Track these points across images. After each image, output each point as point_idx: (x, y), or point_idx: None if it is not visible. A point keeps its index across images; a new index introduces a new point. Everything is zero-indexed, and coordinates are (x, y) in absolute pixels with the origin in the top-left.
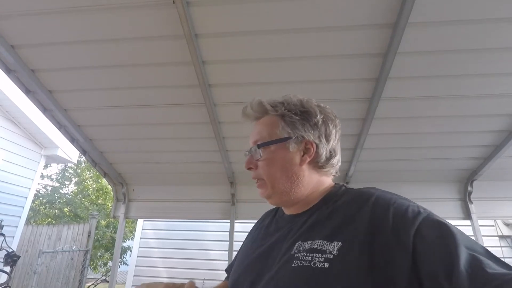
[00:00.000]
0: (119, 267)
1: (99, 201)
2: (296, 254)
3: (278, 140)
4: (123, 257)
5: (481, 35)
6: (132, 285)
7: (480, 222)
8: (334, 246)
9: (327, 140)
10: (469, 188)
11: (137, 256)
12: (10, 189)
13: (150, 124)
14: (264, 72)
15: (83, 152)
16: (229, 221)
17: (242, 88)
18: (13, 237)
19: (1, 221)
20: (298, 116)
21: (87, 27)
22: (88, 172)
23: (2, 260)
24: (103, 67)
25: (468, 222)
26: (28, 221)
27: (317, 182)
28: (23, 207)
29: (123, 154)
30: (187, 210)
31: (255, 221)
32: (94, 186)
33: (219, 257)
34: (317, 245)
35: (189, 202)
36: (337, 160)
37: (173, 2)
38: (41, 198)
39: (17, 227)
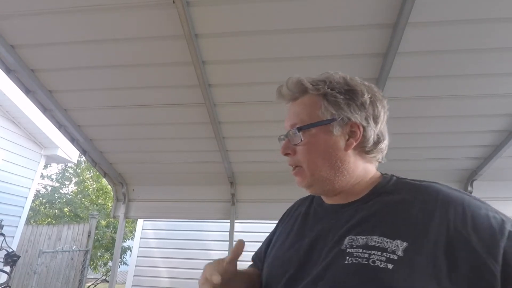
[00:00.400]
0: (119, 267)
1: (99, 201)
2: (349, 250)
3: (320, 122)
4: (123, 257)
5: (481, 35)
6: (132, 285)
7: None
8: (397, 246)
9: (375, 122)
10: (469, 188)
11: (137, 256)
12: (10, 189)
13: (150, 124)
14: (264, 72)
15: (83, 152)
16: (229, 221)
17: (242, 88)
18: (13, 237)
19: (1, 221)
20: (343, 95)
21: (87, 27)
22: (88, 172)
23: (2, 260)
24: (103, 67)
25: None
26: (28, 221)
27: (363, 169)
28: (23, 207)
29: (123, 154)
30: (187, 210)
31: (255, 221)
32: (94, 186)
33: (219, 257)
34: (375, 242)
35: (189, 202)
36: (385, 145)
37: (173, 2)
38: (41, 198)
39: (17, 227)
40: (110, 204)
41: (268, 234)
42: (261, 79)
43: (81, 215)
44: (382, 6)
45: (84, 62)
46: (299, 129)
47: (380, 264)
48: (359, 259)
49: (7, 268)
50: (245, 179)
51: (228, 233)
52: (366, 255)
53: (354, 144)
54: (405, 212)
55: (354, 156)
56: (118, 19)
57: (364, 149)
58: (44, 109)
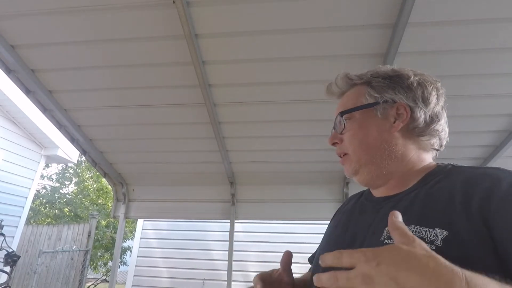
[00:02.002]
0: (119, 267)
1: (99, 201)
2: (386, 241)
3: (362, 106)
4: (123, 257)
5: (481, 35)
6: (132, 285)
7: None
8: (436, 235)
9: (425, 103)
10: None
11: (137, 256)
12: (10, 189)
13: (150, 124)
14: (264, 72)
15: (83, 152)
16: (229, 221)
17: (242, 88)
18: (13, 237)
19: (1, 221)
20: (387, 80)
21: (87, 27)
22: (88, 172)
23: (2, 260)
24: (103, 67)
25: None
26: (28, 221)
27: (416, 155)
28: (23, 207)
29: (123, 154)
30: (187, 210)
31: (255, 221)
32: (94, 186)
33: (219, 257)
34: (413, 232)
35: (189, 202)
36: (442, 128)
37: (173, 2)
38: (41, 198)
39: (17, 227)
40: (110, 204)
41: (268, 234)
42: (261, 79)
43: (81, 215)
44: (382, 6)
45: (84, 62)
46: (342, 113)
47: None
48: None
49: (7, 268)
50: (245, 179)
51: (228, 233)
52: None
53: (401, 125)
54: (447, 199)
55: (404, 139)
56: (118, 19)
57: (414, 132)
58: (44, 109)
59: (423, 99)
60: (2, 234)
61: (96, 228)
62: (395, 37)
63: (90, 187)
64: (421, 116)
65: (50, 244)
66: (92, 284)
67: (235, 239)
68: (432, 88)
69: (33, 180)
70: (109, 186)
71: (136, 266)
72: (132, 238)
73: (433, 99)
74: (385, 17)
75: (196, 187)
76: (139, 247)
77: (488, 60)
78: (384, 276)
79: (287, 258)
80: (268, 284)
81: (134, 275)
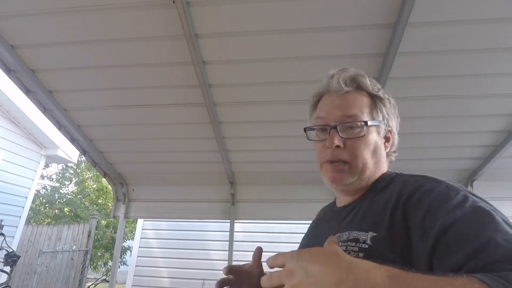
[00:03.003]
0: (119, 267)
1: (99, 201)
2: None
3: (379, 121)
4: (123, 257)
5: (481, 35)
6: (132, 285)
7: None
8: (368, 236)
9: (396, 132)
10: (469, 188)
11: (137, 256)
12: (10, 189)
13: (150, 124)
14: (264, 72)
15: (83, 152)
16: (229, 221)
17: (242, 88)
18: (13, 237)
19: (1, 221)
20: (389, 103)
21: (87, 27)
22: (88, 172)
23: (2, 260)
24: (103, 67)
25: None
26: (28, 221)
27: (385, 169)
28: (23, 207)
29: (123, 154)
30: (187, 210)
31: (255, 221)
32: (94, 186)
33: (219, 257)
34: (353, 236)
35: (189, 202)
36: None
37: (173, 2)
38: (41, 198)
39: (17, 227)
40: (110, 204)
41: (268, 234)
42: (261, 79)
43: (81, 215)
44: (382, 6)
45: (84, 62)
46: (366, 123)
47: (353, 254)
48: None
49: (7, 268)
50: (245, 179)
51: (228, 233)
52: (344, 248)
53: (388, 147)
54: (383, 205)
55: (385, 157)
56: (118, 19)
57: (388, 153)
58: (44, 109)
59: (396, 128)
60: (2, 234)
61: (96, 228)
62: (395, 37)
63: (90, 187)
64: (395, 141)
65: (50, 244)
66: (92, 284)
67: (235, 239)
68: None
69: (33, 180)
70: (109, 186)
71: (136, 266)
72: (132, 238)
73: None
74: (385, 17)
75: (196, 187)
76: (139, 247)
77: (488, 60)
78: (299, 268)
79: (258, 253)
80: (238, 276)
81: (134, 275)
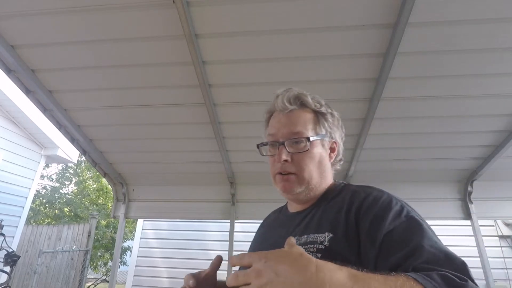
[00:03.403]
0: (119, 267)
1: (99, 201)
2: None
3: (322, 135)
4: (123, 257)
5: (481, 35)
6: (132, 285)
7: (480, 222)
8: (325, 237)
9: (341, 140)
10: (469, 188)
11: (137, 256)
12: (10, 189)
13: (150, 124)
14: (264, 72)
15: (83, 152)
16: (229, 221)
17: (242, 88)
18: (13, 237)
19: (1, 221)
20: (331, 117)
21: (87, 27)
22: (88, 172)
23: (2, 260)
24: (103, 67)
25: (468, 222)
26: (28, 221)
27: (330, 179)
28: (23, 207)
29: (123, 154)
30: (187, 210)
31: (255, 221)
32: (94, 186)
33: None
34: (311, 238)
35: (189, 202)
36: (340, 157)
37: (173, 2)
38: (41, 198)
39: (17, 227)
40: (110, 204)
41: None
42: (261, 79)
43: (81, 215)
44: (382, 6)
45: (84, 62)
46: (308, 139)
47: (312, 254)
48: None
49: (7, 268)
50: (245, 179)
51: (228, 233)
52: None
53: (333, 158)
54: (337, 210)
55: (330, 167)
56: (118, 19)
57: (333, 163)
58: (44, 109)
59: (341, 139)
60: (2, 234)
61: (96, 228)
62: (395, 37)
63: (90, 187)
64: (340, 150)
65: (50, 244)
66: (92, 284)
67: (235, 239)
68: (343, 130)
69: (33, 180)
70: (109, 186)
71: (136, 266)
72: (132, 238)
73: (343, 138)
74: (385, 17)
75: (196, 187)
76: (139, 247)
77: (488, 60)
78: (268, 268)
79: (218, 261)
80: (197, 283)
81: (134, 275)
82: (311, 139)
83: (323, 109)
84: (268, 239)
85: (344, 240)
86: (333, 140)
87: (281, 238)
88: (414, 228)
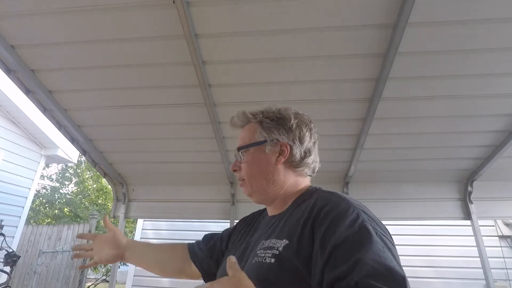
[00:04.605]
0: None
1: (99, 201)
2: (258, 251)
3: (255, 143)
4: None
5: (481, 35)
6: (132, 285)
7: (480, 222)
8: (281, 244)
9: (301, 142)
10: (469, 188)
11: None
12: (10, 189)
13: (150, 124)
14: (264, 72)
15: (83, 152)
16: (229, 221)
17: (242, 88)
18: (13, 237)
19: (1, 221)
20: (275, 121)
21: (87, 27)
22: (88, 172)
23: (2, 260)
24: (103, 67)
25: (468, 222)
26: (28, 221)
27: (293, 182)
28: (23, 207)
29: (123, 154)
30: (187, 210)
31: None
32: (94, 186)
33: None
34: (272, 243)
35: (189, 202)
36: (311, 160)
37: (173, 2)
38: (41, 198)
39: (17, 227)
40: (110, 204)
41: None
42: (261, 79)
43: (81, 215)
44: (382, 6)
45: (84, 62)
46: (239, 149)
47: (268, 260)
48: (259, 258)
49: (7, 268)
50: None
51: None
52: (263, 254)
53: (283, 160)
54: (299, 216)
55: (284, 169)
56: (118, 19)
57: (292, 164)
58: (44, 109)
59: (300, 138)
60: (2, 234)
61: (96, 228)
62: (395, 37)
63: (90, 187)
64: (297, 152)
65: (50, 244)
66: (92, 284)
67: None
68: (307, 129)
69: (33, 180)
70: (109, 186)
71: (136, 266)
72: (132, 238)
73: (306, 138)
74: (385, 17)
75: (196, 187)
76: None
77: (488, 60)
78: None
79: (107, 222)
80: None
81: (134, 275)
82: (240, 149)
83: (258, 118)
84: (247, 239)
85: (296, 248)
86: (280, 142)
87: (256, 239)
88: (362, 240)
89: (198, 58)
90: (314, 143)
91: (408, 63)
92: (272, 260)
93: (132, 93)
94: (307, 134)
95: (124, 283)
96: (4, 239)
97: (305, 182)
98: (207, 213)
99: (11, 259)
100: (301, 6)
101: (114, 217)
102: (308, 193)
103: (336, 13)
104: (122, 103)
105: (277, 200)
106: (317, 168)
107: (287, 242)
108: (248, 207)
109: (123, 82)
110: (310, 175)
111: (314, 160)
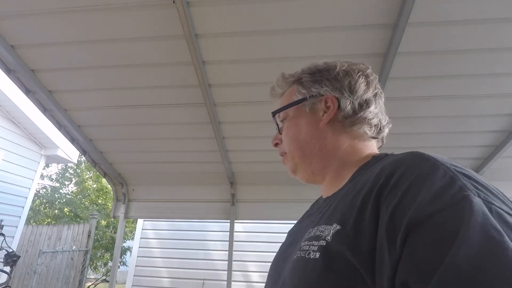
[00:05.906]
0: (119, 267)
1: (99, 201)
2: (301, 244)
3: (291, 104)
4: (123, 257)
5: (481, 35)
6: (132, 285)
7: None
8: (330, 230)
9: (352, 92)
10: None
11: (137, 256)
12: (10, 189)
13: (150, 124)
14: (264, 72)
15: (83, 152)
16: (229, 221)
17: (242, 88)
18: (13, 237)
19: (1, 221)
20: (315, 75)
21: (87, 27)
22: (88, 172)
23: (2, 260)
24: (103, 67)
25: None
26: (28, 221)
27: (350, 147)
28: (23, 207)
29: (123, 154)
30: (187, 210)
31: (255, 221)
32: (94, 186)
33: (219, 257)
34: (320, 231)
35: (189, 202)
36: (372, 115)
37: (173, 2)
38: (41, 198)
39: (17, 227)
40: (110, 204)
41: (268, 234)
42: (261, 79)
43: (81, 215)
44: (382, 6)
45: (84, 62)
46: (273, 114)
47: (312, 255)
48: (302, 252)
49: (7, 268)
50: (245, 179)
51: (228, 233)
52: (307, 247)
53: (329, 118)
54: (357, 192)
55: (334, 131)
56: (118, 19)
57: (345, 122)
58: (44, 109)
59: (350, 88)
60: (2, 234)
61: (96, 228)
62: (395, 37)
63: (90, 187)
64: (348, 105)
65: (50, 244)
66: (92, 284)
67: (235, 239)
68: (360, 75)
69: (33, 180)
70: (109, 186)
71: (136, 266)
72: (132, 238)
73: (360, 86)
74: (385, 17)
75: (196, 187)
76: (139, 247)
77: (488, 60)
78: None
79: None
80: None
81: (134, 275)
82: (274, 114)
83: (300, 74)
84: (296, 231)
85: (352, 237)
86: (323, 96)
87: (303, 228)
88: (461, 220)
89: (198, 58)
90: (375, 95)
91: (408, 63)
92: (317, 255)
93: (132, 93)
94: (362, 81)
95: (124, 283)
96: (4, 239)
97: (368, 148)
98: (207, 213)
99: (11, 259)
100: (301, 6)
101: (114, 217)
102: (371, 162)
103: (336, 13)
104: (122, 103)
105: (330, 174)
106: (387, 130)
107: (338, 227)
108: (248, 207)
109: (123, 82)
110: (374, 137)
111: (376, 115)
